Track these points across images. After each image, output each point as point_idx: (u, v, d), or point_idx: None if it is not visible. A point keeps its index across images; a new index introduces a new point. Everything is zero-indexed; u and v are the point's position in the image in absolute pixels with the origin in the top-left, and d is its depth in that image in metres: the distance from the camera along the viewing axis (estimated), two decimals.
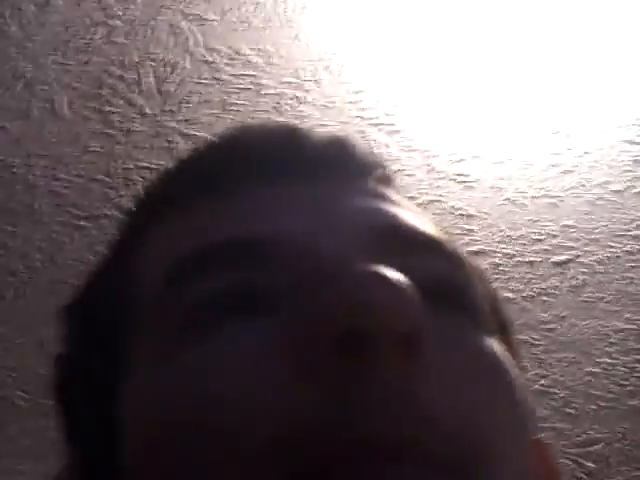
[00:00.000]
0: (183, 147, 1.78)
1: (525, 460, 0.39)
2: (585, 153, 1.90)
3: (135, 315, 0.42)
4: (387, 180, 0.48)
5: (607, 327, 2.08)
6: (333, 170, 0.45)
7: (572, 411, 2.16)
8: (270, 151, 0.45)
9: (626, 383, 2.12)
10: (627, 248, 2.00)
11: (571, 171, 1.92)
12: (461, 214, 1.95)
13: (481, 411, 0.37)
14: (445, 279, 0.41)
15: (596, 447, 2.18)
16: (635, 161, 1.91)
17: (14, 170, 1.77)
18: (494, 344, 0.40)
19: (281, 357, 0.35)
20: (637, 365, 2.12)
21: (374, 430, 0.33)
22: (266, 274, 0.39)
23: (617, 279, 2.04)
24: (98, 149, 1.77)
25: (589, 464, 2.24)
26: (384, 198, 0.44)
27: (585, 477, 2.24)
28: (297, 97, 1.79)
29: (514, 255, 2.01)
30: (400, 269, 0.36)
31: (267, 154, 0.45)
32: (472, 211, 1.95)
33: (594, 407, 2.15)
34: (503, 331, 0.44)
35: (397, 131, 1.84)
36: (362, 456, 0.33)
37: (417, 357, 0.34)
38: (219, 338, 0.37)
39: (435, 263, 0.41)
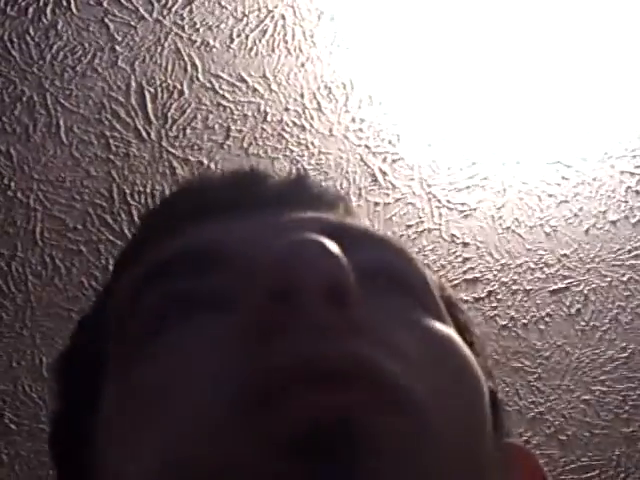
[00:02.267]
0: (184, 173, 1.74)
1: (478, 441, 0.38)
2: (582, 183, 1.88)
3: (107, 351, 0.43)
4: (348, 211, 0.48)
5: (602, 355, 2.07)
6: (289, 203, 0.45)
7: (566, 438, 2.14)
8: (226, 188, 0.47)
9: (620, 411, 2.11)
10: (623, 277, 1.99)
11: (568, 201, 1.90)
12: (459, 242, 1.93)
13: (413, 369, 0.37)
14: (390, 265, 0.42)
15: (590, 474, 2.16)
16: (631, 191, 1.90)
17: (14, 194, 1.72)
18: (435, 323, 0.41)
19: (230, 335, 0.37)
20: (631, 393, 2.10)
21: (301, 356, 0.35)
22: (221, 275, 0.40)
23: (612, 308, 2.03)
24: (98, 174, 1.73)
25: None
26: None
27: None
28: (300, 125, 1.75)
29: (511, 283, 1.99)
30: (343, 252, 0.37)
31: (223, 191, 0.46)
32: (470, 240, 1.93)
33: (587, 434, 2.14)
34: (460, 329, 0.44)
35: (398, 160, 1.81)
36: (290, 379, 0.34)
37: (345, 310, 0.35)
38: (176, 336, 0.39)
39: (381, 253, 0.42)
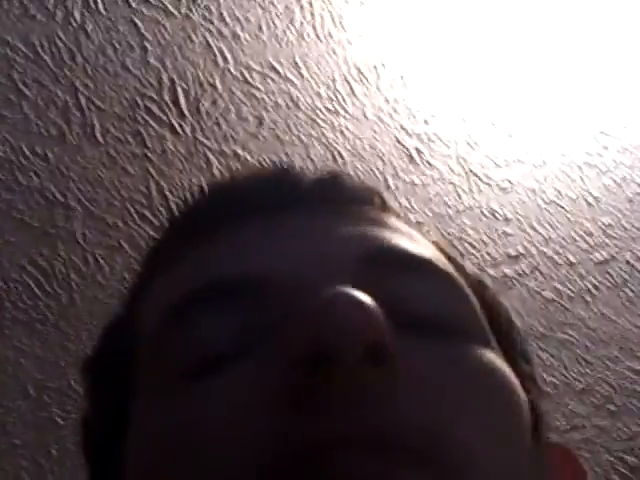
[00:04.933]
0: (220, 166, 1.72)
1: (519, 463, 0.38)
2: (623, 152, 1.83)
3: (137, 365, 0.42)
4: (383, 207, 0.46)
5: None
6: (325, 201, 0.44)
7: (615, 409, 2.11)
8: (260, 190, 0.45)
9: None
10: None
11: (609, 170, 1.86)
12: (500, 218, 1.89)
13: (460, 414, 0.36)
14: (434, 302, 0.40)
15: (638, 444, 2.13)
16: None
17: (53, 196, 1.71)
18: (479, 353, 0.39)
19: (258, 396, 0.35)
20: None
21: (340, 427, 0.33)
22: (252, 314, 0.38)
23: None
24: (135, 171, 1.71)
25: (632, 459, 2.20)
26: (377, 223, 0.43)
27: (628, 473, 2.19)
28: (333, 110, 1.72)
29: (553, 256, 1.96)
30: (376, 294, 0.35)
31: (257, 194, 0.44)
32: (511, 215, 1.89)
33: (637, 403, 2.11)
34: (505, 342, 0.43)
35: (434, 140, 1.77)
36: (329, 448, 0.33)
37: (384, 369, 0.34)
38: (207, 389, 0.37)
39: (416, 283, 0.40)
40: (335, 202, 0.44)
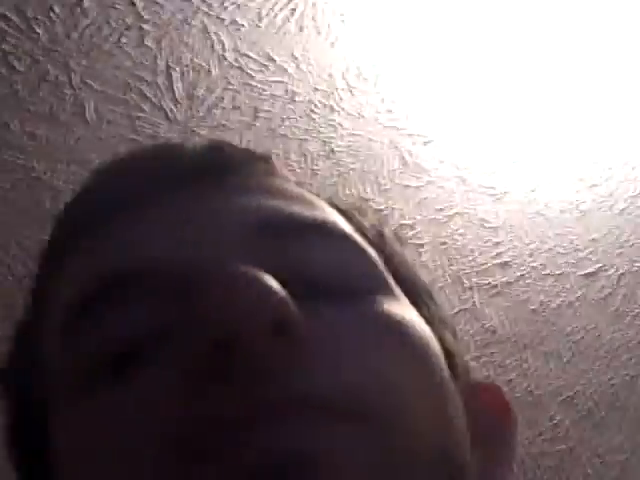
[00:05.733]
0: None
1: (442, 404, 0.38)
2: (613, 167, 1.82)
3: (46, 381, 0.41)
4: (270, 171, 0.45)
5: (633, 339, 2.02)
6: (209, 174, 0.43)
7: (597, 419, 2.09)
8: (141, 174, 0.43)
9: None
10: None
11: (599, 184, 1.84)
12: (489, 226, 1.86)
13: (372, 367, 0.36)
14: (321, 266, 0.39)
15: (620, 456, 2.12)
16: None
17: (40, 175, 1.66)
18: (383, 305, 0.39)
19: (165, 392, 0.35)
20: None
21: (246, 399, 0.33)
22: (152, 307, 0.38)
23: None
24: None
25: (613, 473, 2.18)
26: (264, 190, 0.43)
27: None
28: (329, 105, 1.68)
29: (541, 268, 1.93)
30: (271, 265, 0.36)
31: (139, 175, 0.43)
32: (500, 223, 1.87)
33: (618, 417, 2.09)
34: (410, 289, 0.43)
35: (429, 142, 1.74)
36: (251, 417, 0.33)
37: (287, 338, 0.34)
38: (107, 396, 0.37)
39: (314, 247, 0.40)
40: (220, 174, 0.43)
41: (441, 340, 0.42)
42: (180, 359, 0.35)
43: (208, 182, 0.43)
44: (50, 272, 0.45)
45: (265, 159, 0.47)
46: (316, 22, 1.57)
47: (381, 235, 0.46)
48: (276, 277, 0.35)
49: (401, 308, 0.40)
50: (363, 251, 0.42)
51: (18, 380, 0.44)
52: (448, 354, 0.42)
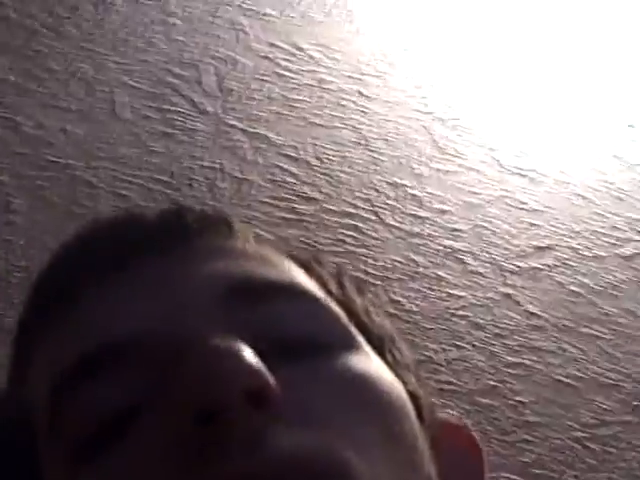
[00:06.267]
0: (245, 145, 1.68)
1: (411, 457, 0.39)
2: None
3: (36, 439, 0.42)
4: (231, 233, 0.46)
5: None
6: (168, 242, 0.44)
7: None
8: (106, 246, 0.44)
9: None
10: None
11: (638, 164, 1.81)
12: (526, 209, 1.85)
13: (341, 430, 0.37)
14: (284, 325, 0.40)
15: None
16: None
17: (75, 172, 1.67)
18: (347, 362, 0.40)
19: (152, 463, 0.37)
20: None
21: (226, 471, 0.35)
22: (136, 378, 0.39)
23: None
24: (159, 149, 1.67)
25: None
26: (228, 254, 0.44)
27: None
28: (360, 92, 1.68)
29: (580, 249, 1.91)
30: (239, 331, 0.37)
31: (102, 252, 0.44)
32: (537, 206, 1.85)
33: None
34: (374, 338, 0.44)
35: (462, 126, 1.73)
36: None
37: (264, 410, 0.36)
38: (102, 468, 0.38)
39: (279, 309, 0.41)
40: (184, 239, 0.44)
41: (405, 384, 0.43)
42: (165, 429, 0.37)
43: (173, 248, 0.44)
44: (32, 340, 0.45)
45: (225, 221, 0.47)
46: (343, 10, 1.57)
47: (341, 286, 0.47)
48: (244, 339, 0.37)
49: (365, 361, 0.41)
50: (326, 308, 0.43)
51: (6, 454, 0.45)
52: (413, 397, 0.43)
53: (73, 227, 1.57)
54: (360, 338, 0.43)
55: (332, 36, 1.60)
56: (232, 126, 1.66)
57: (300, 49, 1.61)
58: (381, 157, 1.76)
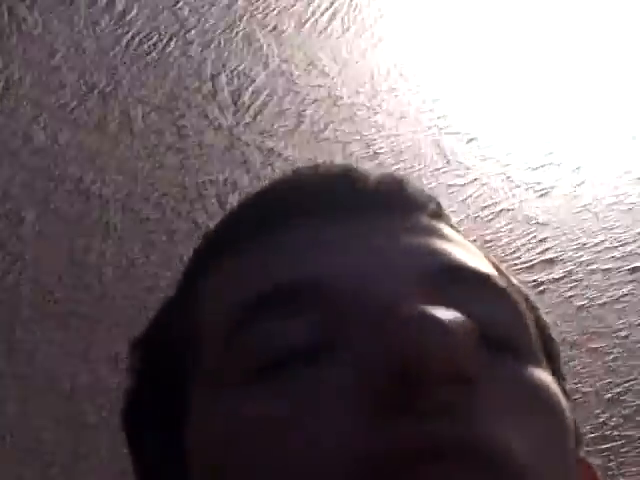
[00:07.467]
0: (257, 160, 1.67)
1: (567, 475, 0.40)
2: None
3: (197, 361, 0.42)
4: (440, 215, 0.46)
5: None
6: (385, 206, 0.44)
7: None
8: (321, 189, 0.44)
9: None
10: None
11: None
12: (536, 222, 1.84)
13: (521, 429, 0.37)
14: (492, 320, 0.40)
15: None
16: None
17: (88, 185, 1.66)
18: (539, 375, 0.41)
19: (345, 404, 0.36)
20: None
21: (420, 438, 0.35)
22: (315, 321, 0.39)
23: None
24: (172, 163, 1.66)
25: None
26: (436, 234, 0.44)
27: None
28: (372, 107, 1.67)
29: (588, 263, 1.91)
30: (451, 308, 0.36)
31: (318, 192, 0.44)
32: (546, 219, 1.85)
33: None
34: (550, 357, 0.44)
35: (473, 139, 1.73)
36: (410, 459, 0.34)
37: (465, 388, 0.36)
38: (281, 390, 0.38)
39: (483, 302, 0.41)
40: (396, 208, 0.45)
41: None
42: (360, 383, 0.36)
43: (383, 214, 0.44)
44: (213, 265, 0.45)
45: (436, 201, 0.48)
46: (358, 24, 1.56)
47: (527, 299, 0.47)
48: None
49: (548, 378, 0.42)
50: (523, 314, 0.43)
51: (161, 351, 0.46)
52: (576, 429, 0.44)
53: (84, 241, 1.55)
54: (541, 353, 0.44)
55: (347, 50, 1.59)
56: (245, 140, 1.65)
57: (314, 64, 1.60)
58: (392, 171, 1.76)
